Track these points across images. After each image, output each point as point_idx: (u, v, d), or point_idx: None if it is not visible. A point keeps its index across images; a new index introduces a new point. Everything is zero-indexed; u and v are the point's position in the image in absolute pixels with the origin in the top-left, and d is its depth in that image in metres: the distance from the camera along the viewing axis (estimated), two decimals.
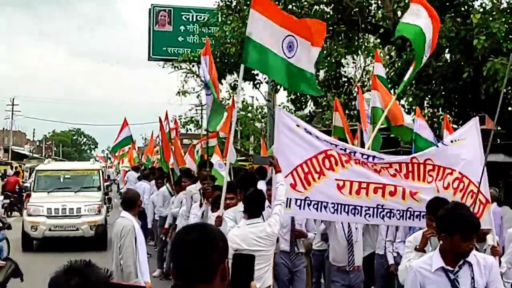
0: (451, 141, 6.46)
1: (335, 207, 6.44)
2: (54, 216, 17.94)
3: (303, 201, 6.47)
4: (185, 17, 30.49)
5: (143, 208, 18.56)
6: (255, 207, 6.56)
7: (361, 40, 18.82)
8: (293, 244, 9.47)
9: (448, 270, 4.19)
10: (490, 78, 12.77)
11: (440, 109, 16.12)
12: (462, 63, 14.34)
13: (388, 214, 6.46)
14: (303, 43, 7.30)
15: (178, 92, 36.71)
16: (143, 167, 28.47)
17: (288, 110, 31.15)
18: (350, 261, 8.78)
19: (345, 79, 19.68)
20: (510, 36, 13.66)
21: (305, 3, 17.43)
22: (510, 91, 14.89)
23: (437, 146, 6.63)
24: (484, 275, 4.20)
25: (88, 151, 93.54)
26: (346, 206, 6.43)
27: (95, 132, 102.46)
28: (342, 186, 6.39)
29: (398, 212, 6.43)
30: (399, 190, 6.41)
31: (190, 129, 41.01)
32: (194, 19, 29.66)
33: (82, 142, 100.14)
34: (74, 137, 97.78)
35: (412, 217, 6.46)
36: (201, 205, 10.72)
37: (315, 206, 6.50)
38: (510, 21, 13.80)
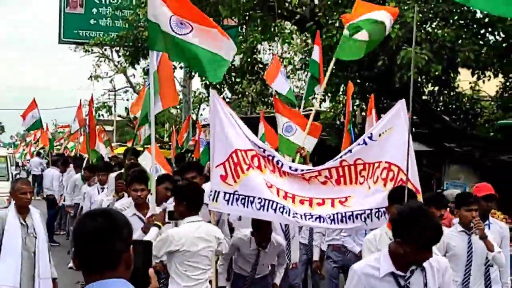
0: (379, 135, 6.16)
1: (262, 203, 5.96)
2: None
3: (231, 195, 6.11)
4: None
5: (52, 196, 18.34)
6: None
7: (277, 26, 18.74)
8: None
9: (398, 275, 3.77)
10: (404, 67, 13.05)
11: (355, 96, 16.23)
12: (377, 51, 14.50)
13: (318, 220, 6.11)
14: (203, 29, 6.82)
15: (90, 77, 36.48)
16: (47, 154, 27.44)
17: (202, 96, 31.05)
18: (288, 258, 8.38)
19: (261, 66, 19.49)
20: (424, 26, 13.95)
21: None
22: (423, 80, 15.24)
23: (365, 144, 6.22)
24: (437, 279, 3.92)
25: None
26: (274, 203, 5.95)
27: (2, 117, 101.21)
28: (270, 186, 6.05)
29: (328, 216, 6.11)
30: (328, 202, 6.14)
31: (102, 115, 40.10)
32: (107, 2, 29.12)
33: None
34: None
35: (344, 219, 6.13)
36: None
37: (243, 201, 6.09)
38: (425, 9, 14.07)
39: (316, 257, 9.76)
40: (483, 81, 16.49)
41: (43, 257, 6.57)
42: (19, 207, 6.59)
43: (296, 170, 6.19)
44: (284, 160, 6.59)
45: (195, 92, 30.50)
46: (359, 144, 6.22)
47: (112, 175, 11.76)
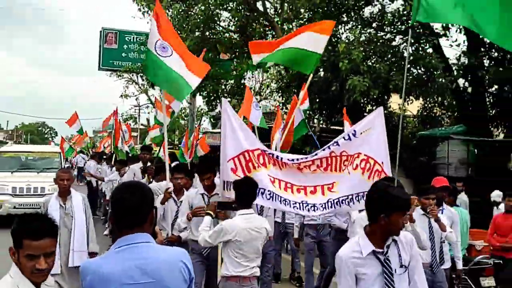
0: (360, 133, 5.67)
1: (271, 195, 5.52)
2: (18, 194, 14.75)
3: None
4: (128, 38, 30.12)
5: (90, 181, 18.18)
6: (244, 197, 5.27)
7: None
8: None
9: (378, 252, 3.43)
10: (351, 91, 13.05)
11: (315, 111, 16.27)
12: (331, 79, 14.58)
13: (313, 208, 5.66)
14: (178, 57, 6.33)
15: (121, 96, 37.01)
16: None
17: (204, 111, 30.80)
18: None
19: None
20: (366, 61, 13.98)
21: (219, 30, 17.37)
22: (365, 101, 15.28)
23: (350, 139, 5.71)
24: (407, 251, 3.58)
25: (50, 139, 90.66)
26: (278, 197, 5.57)
27: (55, 125, 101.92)
28: (273, 181, 5.57)
29: (321, 205, 5.67)
30: (318, 189, 5.67)
31: (130, 124, 40.54)
32: (134, 40, 29.15)
33: (45, 132, 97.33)
34: (39, 128, 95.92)
35: (333, 205, 5.69)
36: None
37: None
38: (367, 49, 14.15)
39: (295, 235, 9.30)
40: (408, 103, 16.56)
41: (79, 233, 6.16)
42: (59, 192, 6.24)
43: (292, 160, 5.69)
44: (283, 154, 6.10)
45: (198, 107, 30.27)
46: (344, 139, 5.69)
47: (133, 166, 11.56)
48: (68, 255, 6.05)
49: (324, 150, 5.72)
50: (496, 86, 16.39)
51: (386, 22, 15.67)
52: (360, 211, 6.12)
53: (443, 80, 14.74)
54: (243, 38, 16.87)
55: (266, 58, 7.16)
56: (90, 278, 2.75)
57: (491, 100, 16.76)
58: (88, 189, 19.32)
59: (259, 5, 17.79)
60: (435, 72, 15.07)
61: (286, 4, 16.50)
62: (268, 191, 5.55)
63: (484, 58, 15.69)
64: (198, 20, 16.16)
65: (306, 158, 5.72)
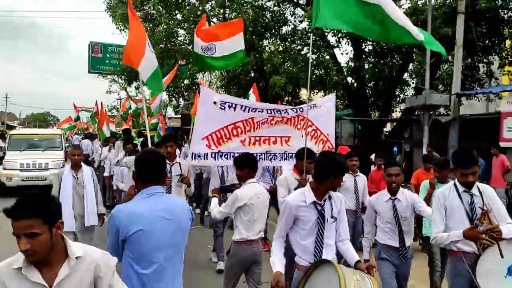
0: (320, 106, 5.38)
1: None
2: (26, 169, 13.97)
3: (216, 154, 5.13)
4: (110, 49, 29.59)
5: (87, 155, 17.69)
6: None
7: None
8: None
9: (317, 203, 3.28)
10: (273, 87, 13.32)
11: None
12: (258, 78, 14.93)
13: (274, 157, 5.38)
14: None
15: (106, 92, 36.27)
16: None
17: (166, 101, 30.46)
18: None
19: (198, 85, 19.69)
20: (283, 65, 14.46)
21: (177, 43, 17.43)
22: (282, 93, 15.74)
23: (310, 108, 5.35)
24: (337, 206, 3.41)
25: (51, 123, 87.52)
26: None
27: (58, 114, 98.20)
28: (243, 141, 5.20)
29: (279, 155, 5.40)
30: (278, 140, 5.34)
31: (113, 113, 39.51)
32: (116, 50, 28.93)
33: (50, 120, 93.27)
34: (45, 117, 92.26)
35: (288, 158, 5.42)
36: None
37: (226, 156, 5.17)
38: (284, 57, 14.52)
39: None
40: (313, 95, 17.25)
41: (90, 199, 5.72)
42: (72, 165, 5.82)
43: (268, 111, 5.26)
44: (263, 106, 5.46)
45: (164, 100, 30.09)
46: (308, 108, 5.29)
47: (118, 142, 11.46)
48: (84, 217, 5.69)
49: (290, 110, 5.38)
50: (372, 82, 16.97)
51: (297, 37, 15.87)
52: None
53: (337, 78, 15.32)
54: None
55: (208, 65, 6.46)
56: (125, 217, 2.74)
57: (370, 92, 17.23)
58: (84, 161, 18.85)
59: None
60: (331, 73, 15.76)
61: None
62: (237, 152, 5.13)
63: (364, 62, 16.09)
64: (161, 36, 16.29)
65: (277, 110, 5.30)
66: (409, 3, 14.32)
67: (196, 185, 8.44)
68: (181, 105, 23.00)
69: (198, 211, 10.59)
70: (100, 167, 13.23)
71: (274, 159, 5.45)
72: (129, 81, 20.66)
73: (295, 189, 4.77)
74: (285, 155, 5.43)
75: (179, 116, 25.70)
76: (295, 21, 16.31)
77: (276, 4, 14.92)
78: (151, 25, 17.54)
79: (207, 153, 5.11)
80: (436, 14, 13.17)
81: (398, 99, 17.07)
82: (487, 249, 3.33)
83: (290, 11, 16.53)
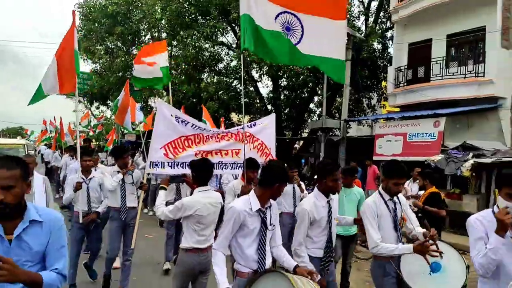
0: (260, 124, 4.98)
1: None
2: None
3: (173, 163, 4.59)
4: None
5: (49, 162, 16.41)
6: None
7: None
8: None
9: (261, 210, 2.81)
10: (209, 110, 13.63)
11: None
12: (196, 104, 15.08)
13: (225, 166, 4.90)
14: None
15: (73, 111, 34.30)
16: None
17: None
18: None
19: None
20: (217, 93, 14.78)
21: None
22: (217, 116, 16.05)
23: (251, 127, 4.97)
24: (274, 213, 2.97)
25: (30, 137, 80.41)
26: None
27: (30, 128, 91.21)
28: (198, 153, 4.63)
29: (230, 164, 4.93)
30: (229, 152, 4.91)
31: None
32: (80, 76, 27.22)
33: (24, 133, 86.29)
34: (19, 130, 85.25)
35: (237, 167, 4.95)
36: None
37: (181, 165, 4.60)
38: (217, 87, 14.81)
39: None
40: (243, 117, 17.65)
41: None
42: None
43: (214, 132, 4.88)
44: (208, 127, 5.16)
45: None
46: (249, 126, 4.95)
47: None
48: None
49: (233, 129, 4.99)
50: (287, 109, 17.55)
51: (229, 72, 16.18)
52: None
53: (259, 105, 16.11)
54: None
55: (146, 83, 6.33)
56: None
57: (285, 117, 17.70)
58: (46, 169, 17.68)
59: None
60: (256, 101, 16.43)
61: (173, 61, 16.90)
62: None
63: (280, 94, 16.65)
64: (119, 67, 16.12)
65: (223, 132, 4.94)
66: None
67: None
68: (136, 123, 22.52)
69: (151, 213, 9.80)
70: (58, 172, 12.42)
71: (225, 168, 4.98)
72: (90, 101, 20.08)
73: (238, 196, 4.41)
74: (235, 165, 5.01)
75: (134, 132, 25.14)
76: (228, 59, 16.74)
77: (212, 46, 15.29)
78: (111, 57, 17.29)
79: (164, 162, 4.61)
80: None
81: (306, 123, 17.92)
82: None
83: (225, 52, 17.02)
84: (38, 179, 4.54)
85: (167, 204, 3.93)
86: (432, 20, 12.33)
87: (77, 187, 4.72)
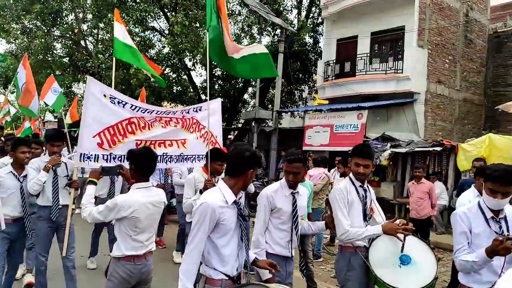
0: (205, 109, 4.28)
1: None
2: None
3: (108, 156, 3.86)
4: None
5: None
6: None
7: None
8: None
9: (236, 202, 2.39)
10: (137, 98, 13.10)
11: None
12: (125, 90, 14.45)
13: (170, 159, 4.33)
14: None
15: None
16: None
17: (45, 106, 27.55)
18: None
19: None
20: (148, 81, 14.24)
21: (54, 55, 15.85)
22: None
23: (198, 111, 4.41)
24: (242, 203, 2.69)
25: None
26: None
27: None
28: (139, 144, 3.98)
29: (175, 157, 4.36)
30: (174, 143, 4.31)
31: None
32: None
33: None
34: None
35: (183, 160, 4.40)
36: None
37: (119, 158, 3.88)
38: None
39: None
40: (175, 106, 17.25)
41: None
42: None
43: (157, 112, 4.18)
44: (154, 107, 4.29)
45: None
46: (194, 110, 4.39)
47: None
48: None
49: (178, 112, 4.37)
50: (222, 100, 17.79)
51: (161, 59, 15.31)
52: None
53: (192, 94, 15.86)
54: (70, 61, 16.03)
55: None
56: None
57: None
58: None
59: (82, 42, 16.98)
60: (189, 89, 16.13)
61: (100, 45, 15.99)
62: None
63: (215, 84, 16.51)
64: (38, 48, 14.82)
65: (166, 112, 4.26)
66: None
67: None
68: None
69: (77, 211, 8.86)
70: None
71: (170, 161, 4.42)
72: (4, 85, 18.26)
73: (201, 191, 3.73)
74: (181, 157, 4.43)
75: (56, 120, 23.45)
76: (160, 46, 16.15)
77: (142, 31, 14.66)
78: (28, 37, 15.81)
79: (98, 155, 3.85)
80: None
81: (240, 113, 18.04)
82: (373, 241, 2.95)
83: (157, 38, 16.43)
84: None
85: (98, 201, 3.66)
86: (359, 18, 13.02)
87: None
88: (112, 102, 3.87)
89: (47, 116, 27.23)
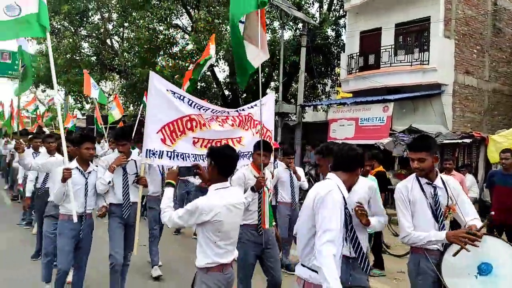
0: (261, 104, 3.95)
1: (195, 157, 3.93)
2: None
3: (172, 153, 3.81)
4: (17, 56, 26.45)
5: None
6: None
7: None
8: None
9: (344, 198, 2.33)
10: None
11: None
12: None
13: None
14: None
15: (16, 94, 32.13)
16: None
17: (73, 104, 28.28)
18: None
19: None
20: (174, 77, 14.49)
21: (82, 54, 16.31)
22: None
23: (252, 107, 4.26)
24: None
25: None
26: (200, 156, 3.93)
27: None
28: (196, 141, 3.93)
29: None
30: (230, 141, 4.15)
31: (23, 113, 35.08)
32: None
33: None
34: None
35: (241, 157, 4.10)
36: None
37: (182, 156, 3.86)
38: (174, 71, 14.55)
39: None
40: None
41: None
42: None
43: (217, 111, 4.04)
44: (211, 106, 4.13)
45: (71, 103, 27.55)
46: (249, 107, 4.26)
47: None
48: None
49: (233, 110, 4.25)
50: (244, 94, 17.68)
51: (185, 56, 15.61)
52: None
53: (215, 90, 16.02)
54: (97, 60, 16.48)
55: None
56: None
57: (242, 102, 17.19)
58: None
59: (108, 41, 17.40)
60: (212, 85, 16.30)
61: (126, 43, 16.35)
62: (192, 154, 3.96)
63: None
64: (67, 48, 15.30)
65: (222, 111, 4.13)
66: (268, 37, 15.36)
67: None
68: (85, 107, 21.62)
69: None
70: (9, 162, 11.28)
71: None
72: (36, 84, 18.93)
73: (253, 188, 3.58)
74: (240, 153, 4.17)
75: (85, 117, 24.16)
76: (183, 43, 16.35)
77: (166, 28, 14.90)
78: (57, 37, 16.34)
79: (163, 151, 3.79)
80: (288, 46, 14.39)
81: None
82: (450, 246, 2.57)
83: (180, 35, 16.64)
84: None
85: (145, 199, 3.53)
86: (382, 9, 12.85)
87: (66, 175, 3.58)
88: (174, 97, 3.80)
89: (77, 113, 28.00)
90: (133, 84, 14.51)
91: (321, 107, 16.46)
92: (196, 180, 6.05)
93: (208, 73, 16.16)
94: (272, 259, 3.60)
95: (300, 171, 5.45)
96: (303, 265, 2.29)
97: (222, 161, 2.61)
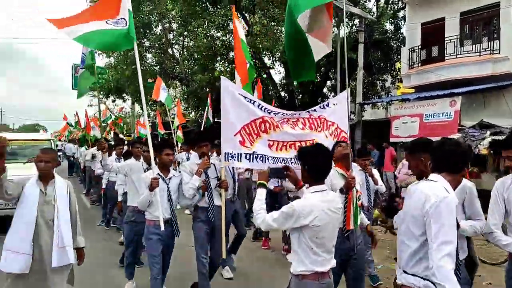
0: (334, 104, 4.00)
1: (273, 160, 3.83)
2: None
3: (251, 155, 3.81)
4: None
5: (71, 157, 16.87)
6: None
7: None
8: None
9: None
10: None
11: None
12: (211, 92, 15.19)
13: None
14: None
15: (88, 105, 34.97)
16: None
17: (138, 113, 29.93)
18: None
19: None
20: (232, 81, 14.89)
21: (146, 64, 17.35)
22: None
23: (325, 108, 4.07)
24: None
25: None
26: (278, 159, 3.83)
27: (46, 124, 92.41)
28: (271, 145, 3.87)
29: None
30: (303, 144, 3.82)
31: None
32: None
33: (40, 129, 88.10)
34: (36, 127, 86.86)
35: None
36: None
37: (261, 158, 3.82)
38: (233, 75, 14.91)
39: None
40: None
41: (63, 225, 3.12)
42: (39, 175, 3.18)
43: (286, 114, 3.95)
44: (277, 110, 4.05)
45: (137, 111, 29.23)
46: (321, 108, 4.08)
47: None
48: (51, 252, 3.05)
49: (304, 112, 4.10)
50: (301, 95, 17.69)
51: None
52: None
53: (272, 92, 16.16)
54: (160, 69, 17.38)
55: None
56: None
57: (298, 103, 17.54)
58: (68, 163, 17.29)
59: (169, 50, 18.30)
60: (269, 88, 16.49)
61: (186, 51, 17.05)
62: (271, 157, 3.89)
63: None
64: (134, 60, 16.26)
65: (292, 113, 4.03)
66: None
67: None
68: (151, 115, 22.84)
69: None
70: (85, 168, 12.07)
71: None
72: (106, 95, 20.44)
73: (341, 190, 3.31)
74: None
75: (150, 124, 25.49)
76: None
77: (224, 34, 15.36)
78: (124, 50, 17.53)
79: (241, 154, 3.78)
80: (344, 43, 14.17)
81: None
82: None
83: None
84: (61, 184, 3.27)
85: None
86: None
87: (154, 185, 3.61)
88: (246, 101, 3.84)
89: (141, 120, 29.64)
90: (193, 91, 15.11)
91: (381, 104, 15.98)
92: (288, 184, 5.53)
93: (264, 75, 16.42)
94: (355, 268, 3.29)
95: (376, 174, 5.10)
96: (414, 274, 2.10)
97: (317, 163, 2.45)
